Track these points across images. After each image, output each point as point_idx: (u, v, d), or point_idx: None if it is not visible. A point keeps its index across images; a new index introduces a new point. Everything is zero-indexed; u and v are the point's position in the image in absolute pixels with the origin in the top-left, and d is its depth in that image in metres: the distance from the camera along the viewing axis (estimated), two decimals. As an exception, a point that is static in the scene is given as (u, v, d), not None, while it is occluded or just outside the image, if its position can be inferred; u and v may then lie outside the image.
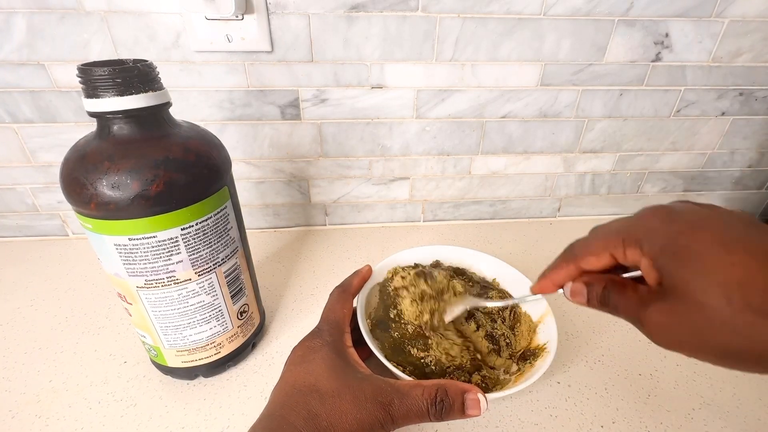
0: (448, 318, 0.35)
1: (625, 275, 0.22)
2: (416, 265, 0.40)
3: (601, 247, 0.22)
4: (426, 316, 0.34)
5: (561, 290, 0.25)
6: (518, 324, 0.36)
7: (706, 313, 0.17)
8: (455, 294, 0.37)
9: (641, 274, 0.20)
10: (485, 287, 0.40)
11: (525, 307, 0.38)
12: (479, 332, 0.35)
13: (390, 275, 0.39)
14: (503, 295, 0.39)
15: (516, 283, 0.39)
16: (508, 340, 0.35)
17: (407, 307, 0.35)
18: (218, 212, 0.30)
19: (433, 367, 0.31)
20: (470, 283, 0.39)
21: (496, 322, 0.36)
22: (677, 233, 0.19)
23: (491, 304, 0.35)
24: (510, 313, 0.37)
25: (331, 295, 0.33)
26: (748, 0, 0.48)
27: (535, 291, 0.27)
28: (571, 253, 0.24)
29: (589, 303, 0.23)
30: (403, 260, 0.41)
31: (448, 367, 0.31)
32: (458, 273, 0.40)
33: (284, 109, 0.50)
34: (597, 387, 0.35)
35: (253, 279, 0.37)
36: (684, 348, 0.19)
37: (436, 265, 0.42)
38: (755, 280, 0.16)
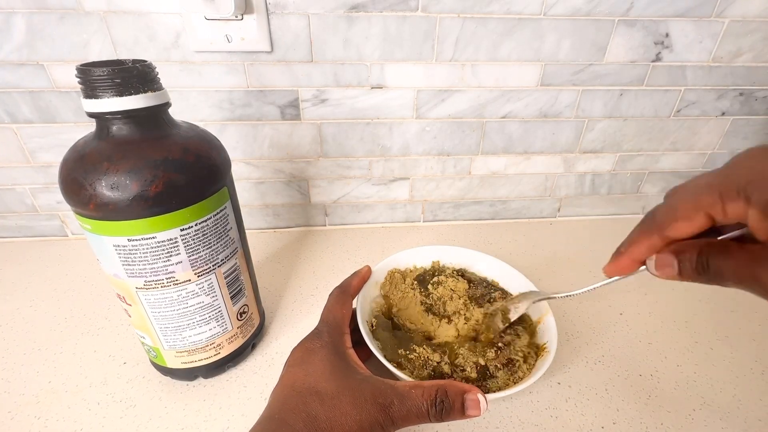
0: (513, 316, 0.34)
1: (722, 237, 0.19)
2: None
3: (693, 208, 0.18)
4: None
5: (643, 267, 0.22)
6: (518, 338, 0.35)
7: None
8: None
9: (743, 233, 0.18)
10: (487, 287, 0.40)
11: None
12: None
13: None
14: (506, 295, 0.39)
15: (516, 284, 0.39)
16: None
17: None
18: (218, 213, 0.30)
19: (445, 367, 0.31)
20: (473, 284, 0.39)
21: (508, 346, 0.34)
22: None
23: (548, 296, 0.33)
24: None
25: (330, 295, 0.33)
26: (748, 0, 0.48)
27: (609, 273, 0.23)
28: (653, 221, 0.20)
29: (682, 274, 0.20)
30: (403, 260, 0.41)
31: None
32: (461, 274, 0.40)
33: (284, 110, 0.50)
34: (597, 388, 0.35)
35: (252, 279, 0.37)
36: None
37: (438, 266, 0.42)
38: None
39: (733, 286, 0.18)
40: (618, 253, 0.22)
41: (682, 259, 0.19)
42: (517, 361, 0.32)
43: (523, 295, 0.36)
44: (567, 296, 0.31)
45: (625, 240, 0.22)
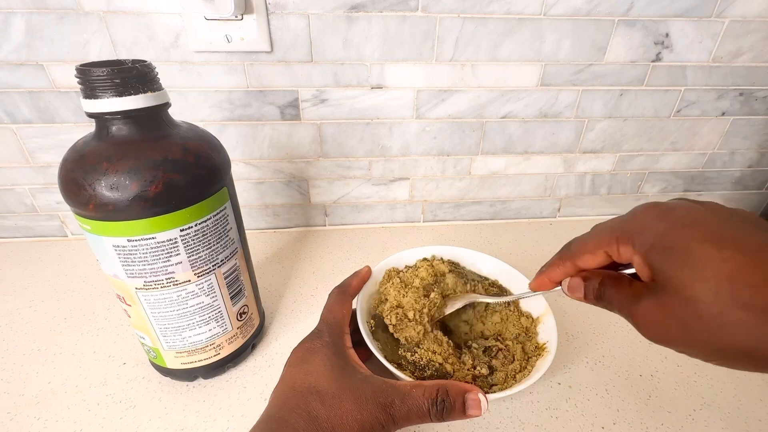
0: (447, 310, 0.36)
1: (624, 271, 0.22)
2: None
3: (596, 245, 0.22)
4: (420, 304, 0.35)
5: (559, 287, 0.26)
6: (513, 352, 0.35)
7: (695, 308, 0.17)
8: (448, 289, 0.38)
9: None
10: (480, 282, 0.40)
11: (526, 308, 0.37)
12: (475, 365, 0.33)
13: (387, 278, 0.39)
14: (502, 292, 0.39)
15: (516, 284, 0.39)
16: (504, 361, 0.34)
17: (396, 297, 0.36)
18: (217, 213, 0.30)
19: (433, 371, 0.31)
20: (464, 280, 0.40)
21: (494, 354, 0.34)
22: (668, 229, 0.19)
23: (487, 299, 0.36)
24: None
25: (330, 296, 0.33)
26: (748, 0, 0.48)
27: (533, 288, 0.27)
28: (568, 250, 0.24)
29: (586, 298, 0.23)
30: (402, 261, 0.41)
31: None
32: (454, 268, 0.41)
33: (284, 110, 0.50)
34: (598, 388, 0.35)
35: (252, 280, 0.37)
36: (673, 343, 0.19)
37: (433, 258, 0.42)
38: (744, 276, 0.16)
39: (619, 314, 0.21)
40: (540, 272, 0.26)
41: (588, 285, 0.23)
42: (518, 360, 0.32)
43: (464, 296, 0.37)
44: (497, 302, 0.36)
45: (547, 263, 0.26)
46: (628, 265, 0.22)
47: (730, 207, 0.19)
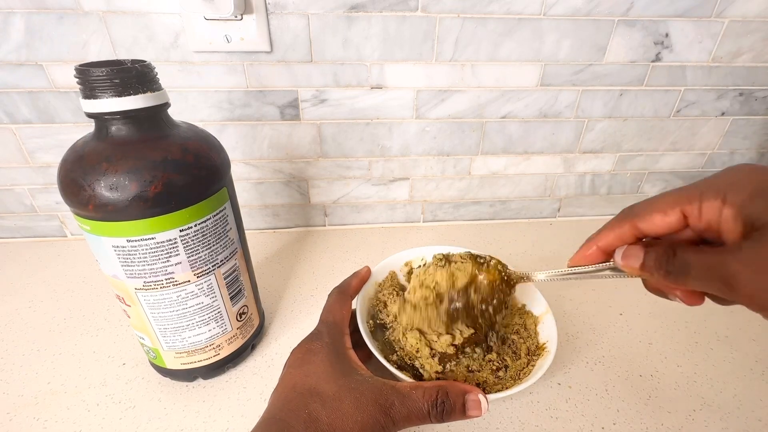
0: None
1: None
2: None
3: (671, 203, 0.19)
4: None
5: (607, 264, 0.21)
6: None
7: None
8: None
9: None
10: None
11: (527, 307, 0.37)
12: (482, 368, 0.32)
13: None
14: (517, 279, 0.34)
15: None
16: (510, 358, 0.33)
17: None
18: (217, 213, 0.30)
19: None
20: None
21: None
22: (766, 181, 0.16)
23: (517, 275, 0.31)
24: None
25: (329, 296, 0.33)
26: (748, 0, 0.48)
27: (574, 262, 0.23)
28: (630, 211, 0.20)
29: (645, 267, 0.19)
30: (402, 261, 0.41)
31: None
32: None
33: (283, 110, 0.50)
34: (597, 388, 0.35)
35: (252, 280, 0.37)
36: None
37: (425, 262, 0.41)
38: None
39: (692, 285, 0.18)
40: (588, 240, 0.22)
41: (649, 251, 0.19)
42: (519, 360, 0.32)
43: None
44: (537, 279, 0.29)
45: (598, 230, 0.22)
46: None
47: None
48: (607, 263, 0.21)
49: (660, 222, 0.19)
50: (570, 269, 0.24)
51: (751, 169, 0.18)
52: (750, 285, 0.15)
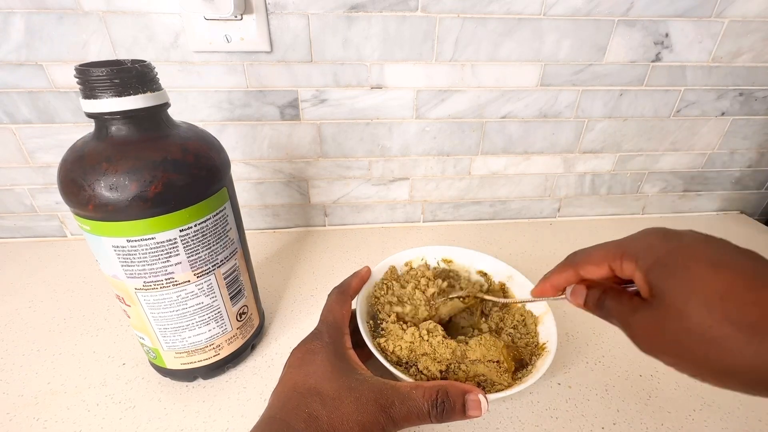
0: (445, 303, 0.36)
1: (626, 287, 0.24)
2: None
3: (601, 258, 0.23)
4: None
5: (559, 295, 0.27)
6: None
7: (687, 322, 0.18)
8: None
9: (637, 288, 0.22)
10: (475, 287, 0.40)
11: (527, 307, 0.37)
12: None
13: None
14: (503, 295, 0.39)
15: (515, 283, 0.39)
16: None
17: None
18: (217, 213, 0.30)
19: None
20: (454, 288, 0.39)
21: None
22: (671, 250, 0.20)
23: (491, 299, 0.37)
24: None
25: (329, 296, 0.33)
26: (748, 0, 0.48)
27: (535, 294, 0.28)
28: (573, 260, 0.25)
29: (586, 305, 0.24)
30: (402, 261, 0.41)
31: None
32: (446, 277, 0.40)
33: (283, 110, 0.50)
34: (597, 388, 0.35)
35: (252, 280, 0.37)
36: (664, 355, 0.19)
37: (425, 266, 0.41)
38: (736, 295, 0.17)
39: (615, 324, 0.22)
40: (543, 279, 0.27)
41: (590, 293, 0.24)
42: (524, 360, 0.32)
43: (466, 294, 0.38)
44: (500, 302, 0.36)
45: (549, 271, 0.27)
46: (631, 284, 0.23)
47: (734, 244, 0.20)
48: (562, 295, 0.27)
49: (594, 272, 0.24)
50: (535, 298, 0.29)
51: (662, 236, 0.21)
52: (641, 340, 0.20)
